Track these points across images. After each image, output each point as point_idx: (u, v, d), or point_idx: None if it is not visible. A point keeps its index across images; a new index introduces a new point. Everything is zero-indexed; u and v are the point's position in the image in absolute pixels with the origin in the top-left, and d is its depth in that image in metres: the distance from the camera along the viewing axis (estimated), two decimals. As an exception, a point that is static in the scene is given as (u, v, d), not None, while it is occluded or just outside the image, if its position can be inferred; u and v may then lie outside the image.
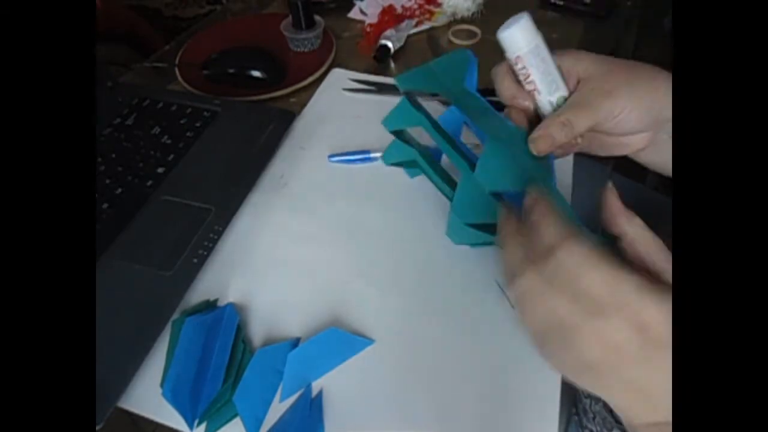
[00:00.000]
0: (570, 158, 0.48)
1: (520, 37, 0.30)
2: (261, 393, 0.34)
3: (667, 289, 0.21)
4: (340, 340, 0.36)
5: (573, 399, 0.48)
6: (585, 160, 0.48)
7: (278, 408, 0.34)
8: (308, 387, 0.34)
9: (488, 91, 0.56)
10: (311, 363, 0.35)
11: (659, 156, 0.35)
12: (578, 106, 0.30)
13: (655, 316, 0.21)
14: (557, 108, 0.32)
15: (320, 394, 0.34)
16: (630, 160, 0.45)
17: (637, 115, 0.30)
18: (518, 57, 0.31)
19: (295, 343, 0.36)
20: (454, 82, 0.34)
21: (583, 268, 0.22)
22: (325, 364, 0.35)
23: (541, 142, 0.30)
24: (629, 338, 0.21)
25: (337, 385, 0.35)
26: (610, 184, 0.27)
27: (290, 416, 0.33)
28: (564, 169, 0.47)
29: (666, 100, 0.30)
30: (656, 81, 0.31)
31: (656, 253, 0.24)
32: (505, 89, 0.34)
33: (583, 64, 0.31)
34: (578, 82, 0.32)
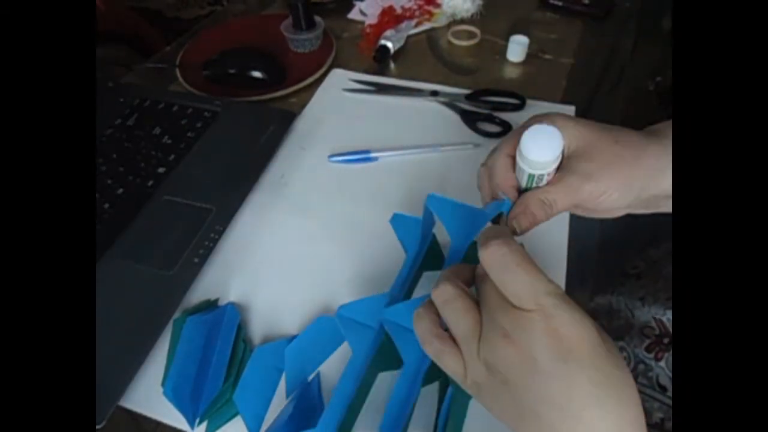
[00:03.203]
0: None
1: (550, 159, 0.29)
2: (261, 390, 0.34)
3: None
4: (332, 326, 0.36)
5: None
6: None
7: (284, 404, 0.34)
8: (304, 379, 0.35)
9: (489, 91, 0.57)
10: (309, 354, 0.35)
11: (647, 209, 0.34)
12: (560, 187, 0.30)
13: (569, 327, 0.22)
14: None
15: (317, 377, 0.35)
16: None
17: (619, 195, 0.30)
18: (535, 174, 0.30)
19: (292, 340, 0.37)
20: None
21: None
22: (322, 353, 0.36)
23: (523, 218, 0.30)
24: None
25: (334, 371, 0.35)
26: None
27: (290, 407, 0.33)
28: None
29: (648, 180, 0.30)
30: (641, 159, 0.30)
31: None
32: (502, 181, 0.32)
33: (570, 137, 0.30)
34: (562, 156, 0.30)
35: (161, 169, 0.49)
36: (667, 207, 0.32)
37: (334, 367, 0.36)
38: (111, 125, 0.54)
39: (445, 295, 0.25)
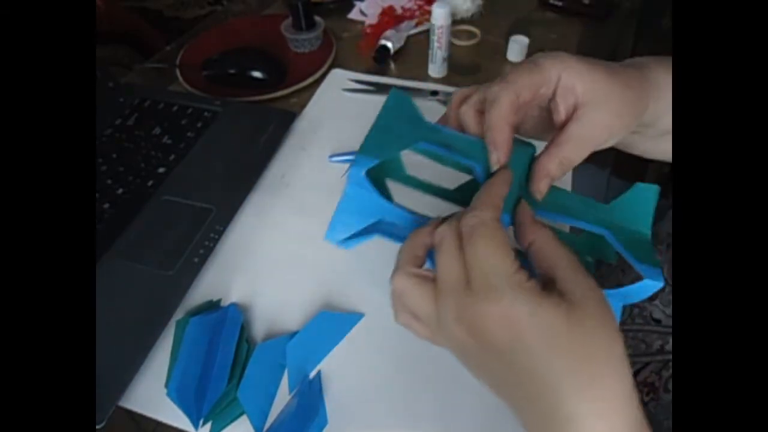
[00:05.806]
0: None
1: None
2: (264, 387, 0.34)
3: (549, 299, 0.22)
4: (332, 320, 0.37)
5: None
6: (584, 164, 0.48)
7: (287, 400, 0.34)
8: (306, 374, 0.35)
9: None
10: (310, 349, 0.36)
11: (626, 143, 0.37)
12: (576, 142, 0.30)
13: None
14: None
15: (318, 375, 0.35)
16: (627, 165, 0.45)
17: (622, 134, 0.31)
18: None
19: (293, 336, 0.37)
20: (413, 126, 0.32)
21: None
22: (323, 348, 0.36)
23: (543, 184, 0.30)
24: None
25: (336, 366, 0.36)
26: (523, 202, 0.28)
27: (292, 404, 0.34)
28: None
29: (648, 107, 0.31)
30: (643, 99, 0.31)
31: (557, 259, 0.24)
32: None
33: (584, 83, 0.30)
34: (574, 108, 0.31)
35: (161, 169, 0.49)
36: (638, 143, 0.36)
37: (335, 364, 0.36)
38: (111, 125, 0.54)
39: (400, 287, 0.26)
